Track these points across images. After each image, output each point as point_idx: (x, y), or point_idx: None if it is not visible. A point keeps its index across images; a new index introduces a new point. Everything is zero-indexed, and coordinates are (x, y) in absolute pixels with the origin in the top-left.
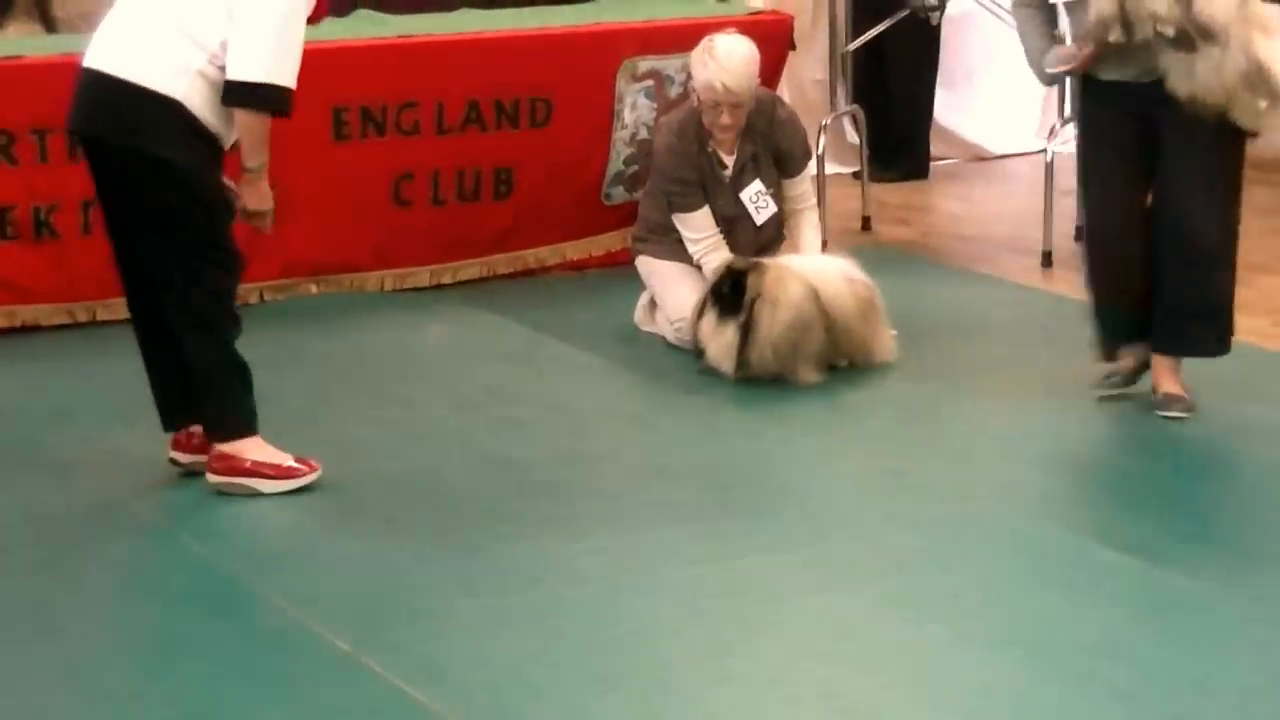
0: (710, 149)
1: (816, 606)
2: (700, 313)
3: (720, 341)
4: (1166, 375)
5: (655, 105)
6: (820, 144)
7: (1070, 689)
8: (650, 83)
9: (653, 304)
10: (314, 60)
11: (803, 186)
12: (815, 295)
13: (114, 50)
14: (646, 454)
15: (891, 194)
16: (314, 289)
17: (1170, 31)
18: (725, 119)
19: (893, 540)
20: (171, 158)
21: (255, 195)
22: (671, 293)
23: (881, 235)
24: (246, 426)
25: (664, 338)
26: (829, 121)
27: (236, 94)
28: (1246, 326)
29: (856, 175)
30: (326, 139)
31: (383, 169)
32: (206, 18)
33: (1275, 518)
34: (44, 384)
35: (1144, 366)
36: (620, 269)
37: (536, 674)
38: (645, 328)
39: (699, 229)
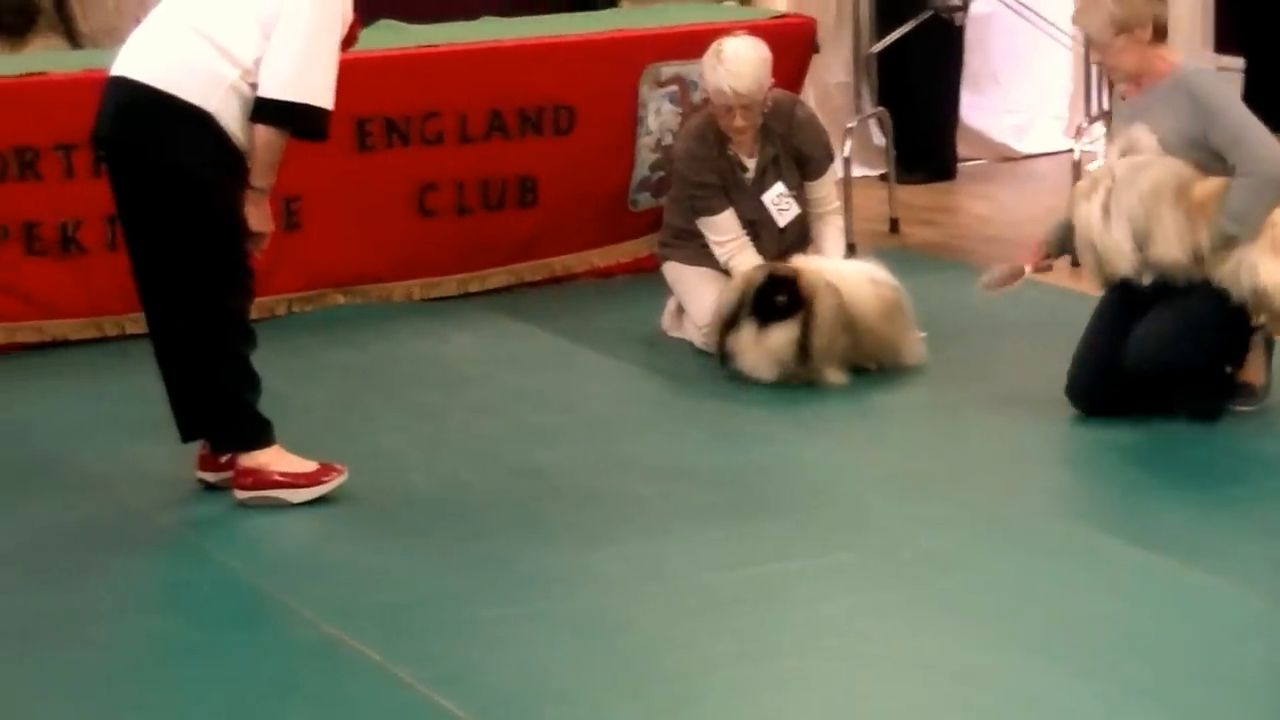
0: (730, 152)
1: (845, 611)
2: (730, 322)
3: (762, 349)
4: (1248, 365)
5: (679, 110)
6: (846, 147)
7: (1100, 689)
8: (674, 88)
9: (680, 309)
10: (337, 71)
11: (825, 189)
12: (840, 296)
13: (144, 59)
14: (673, 459)
15: (918, 196)
16: (341, 300)
17: (1134, 277)
18: (738, 122)
19: (921, 543)
20: (196, 170)
21: (258, 215)
22: (698, 298)
23: (909, 237)
24: (262, 438)
25: (691, 343)
26: (854, 124)
27: (268, 111)
28: None
29: (883, 178)
30: (350, 150)
31: (407, 179)
32: (241, 34)
33: None
34: (71, 398)
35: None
36: (647, 275)
37: (564, 681)
38: (672, 333)
39: (724, 231)
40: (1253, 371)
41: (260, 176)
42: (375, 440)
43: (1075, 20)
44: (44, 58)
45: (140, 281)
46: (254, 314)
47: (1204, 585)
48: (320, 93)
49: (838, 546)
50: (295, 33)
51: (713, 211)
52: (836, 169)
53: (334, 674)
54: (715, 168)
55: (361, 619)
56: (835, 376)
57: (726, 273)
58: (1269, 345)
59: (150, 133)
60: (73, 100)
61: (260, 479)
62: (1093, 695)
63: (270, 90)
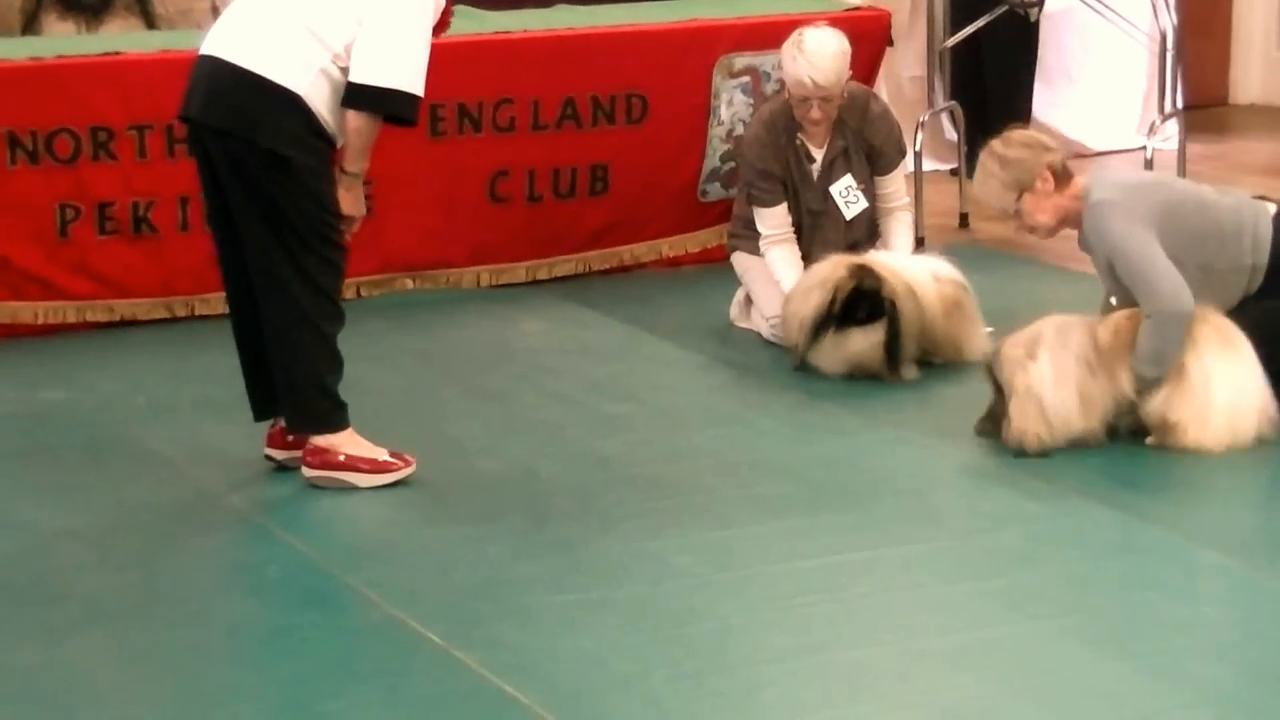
0: (799, 141)
1: (911, 604)
2: (817, 331)
3: (842, 354)
4: None
5: (752, 102)
6: (917, 140)
7: (1167, 688)
8: (747, 79)
9: (748, 300)
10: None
11: (895, 185)
12: (917, 299)
13: (237, 41)
14: (740, 450)
15: None
16: (410, 285)
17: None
18: (815, 113)
19: (988, 537)
20: (289, 154)
21: (351, 200)
22: (766, 289)
23: (979, 232)
24: (340, 421)
25: (759, 334)
26: (926, 118)
27: (360, 97)
28: None
29: (954, 172)
30: (423, 136)
31: (479, 166)
32: (335, 19)
33: None
34: (142, 378)
35: None
36: (715, 265)
37: (628, 669)
38: (740, 324)
39: (771, 225)
40: None
41: (353, 162)
42: (443, 426)
43: (978, 197)
44: (120, 38)
45: (225, 259)
46: None
47: (1269, 585)
48: (412, 78)
49: (903, 539)
50: (389, 18)
51: (766, 203)
52: (907, 164)
53: (398, 658)
54: (780, 156)
55: (426, 604)
56: (909, 373)
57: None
58: None
59: (240, 114)
60: (148, 81)
61: (329, 460)
62: (1159, 693)
63: (362, 76)
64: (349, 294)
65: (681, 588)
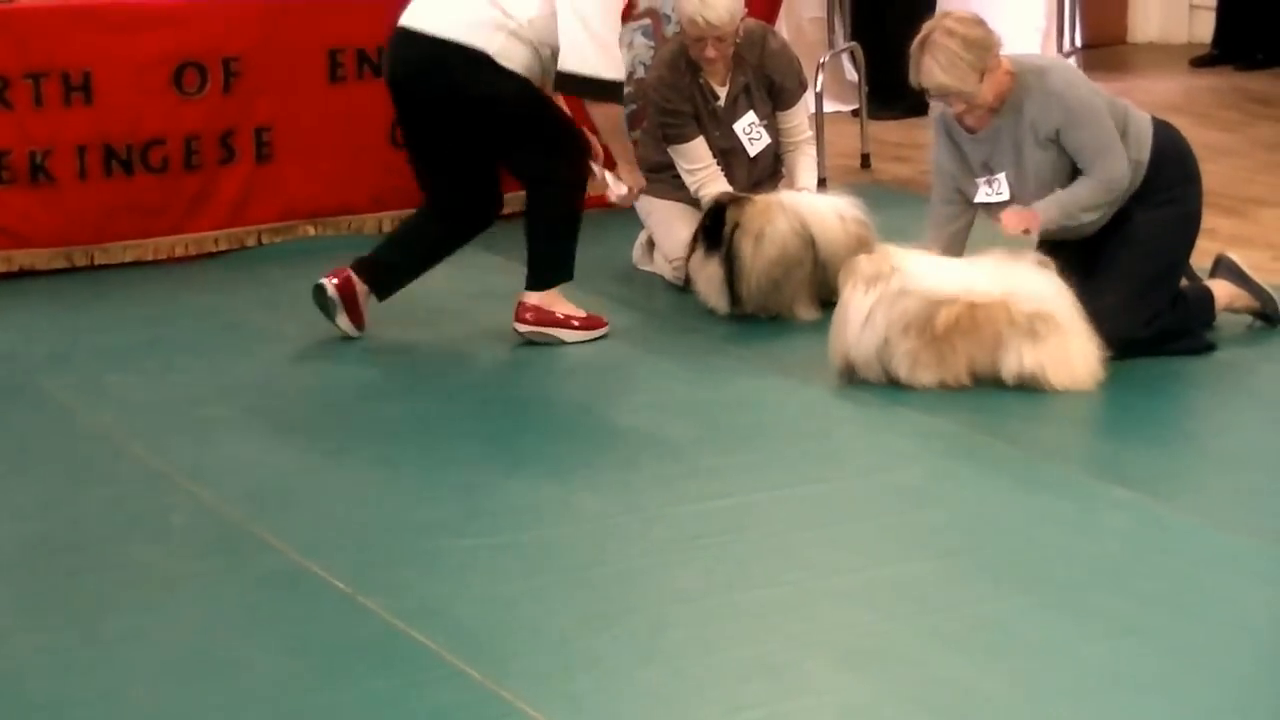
0: (702, 80)
1: (816, 543)
2: (692, 248)
3: (705, 275)
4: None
5: (653, 44)
6: (818, 82)
7: (1068, 619)
8: (647, 21)
9: (651, 243)
10: (309, 3)
11: (798, 119)
12: (804, 231)
13: (431, 14)
14: (644, 393)
15: (891, 132)
16: (311, 231)
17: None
18: (709, 52)
19: (892, 476)
20: (494, 92)
21: (631, 175)
22: (669, 231)
23: (881, 173)
24: (569, 274)
25: (662, 277)
26: (827, 59)
27: (568, 84)
28: (1248, 260)
29: (855, 113)
30: (323, 82)
31: (379, 111)
32: None
33: (1277, 452)
34: (42, 328)
35: None
36: (617, 209)
37: (534, 612)
38: (643, 267)
39: (695, 159)
40: (1238, 299)
41: (612, 141)
42: (347, 372)
43: (935, 86)
44: None
45: (436, 178)
46: (224, 245)
47: (1170, 518)
48: (612, 65)
49: (806, 479)
50: (583, 5)
51: (684, 139)
52: (809, 101)
53: (303, 605)
54: (687, 95)
55: (331, 550)
56: (806, 312)
57: (698, 205)
58: (1233, 270)
59: (445, 76)
60: (44, 29)
61: (544, 317)
62: (1059, 625)
63: (568, 64)
64: (249, 241)
65: (587, 530)
